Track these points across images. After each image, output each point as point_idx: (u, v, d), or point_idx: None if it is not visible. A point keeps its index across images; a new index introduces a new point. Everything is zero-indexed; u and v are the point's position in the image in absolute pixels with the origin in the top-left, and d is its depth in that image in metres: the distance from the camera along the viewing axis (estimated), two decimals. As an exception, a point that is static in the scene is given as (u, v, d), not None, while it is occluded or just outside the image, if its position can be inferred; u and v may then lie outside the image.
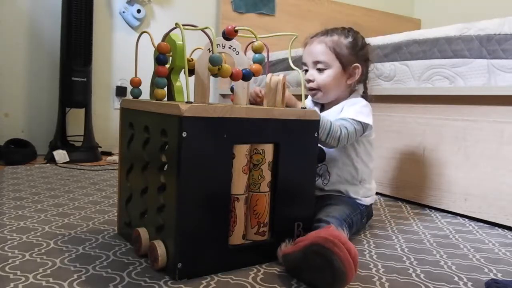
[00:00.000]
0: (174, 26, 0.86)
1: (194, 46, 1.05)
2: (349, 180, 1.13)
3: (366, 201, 1.13)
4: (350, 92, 1.17)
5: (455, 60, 1.35)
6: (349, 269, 0.71)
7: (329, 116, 1.08)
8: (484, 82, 1.28)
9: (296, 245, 0.80)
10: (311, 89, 1.15)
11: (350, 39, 1.13)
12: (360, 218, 1.09)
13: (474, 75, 1.30)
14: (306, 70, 1.16)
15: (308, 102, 1.23)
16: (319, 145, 1.05)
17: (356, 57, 1.13)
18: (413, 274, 0.86)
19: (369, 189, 1.15)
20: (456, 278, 0.85)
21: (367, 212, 1.14)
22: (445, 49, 1.38)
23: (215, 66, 0.81)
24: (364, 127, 1.09)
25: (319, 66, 1.12)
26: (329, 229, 0.77)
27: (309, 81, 1.13)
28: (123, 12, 2.41)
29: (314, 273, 0.75)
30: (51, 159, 2.00)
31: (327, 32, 1.14)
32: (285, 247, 0.84)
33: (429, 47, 1.43)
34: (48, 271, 0.77)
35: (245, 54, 0.97)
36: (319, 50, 1.12)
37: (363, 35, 1.18)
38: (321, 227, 0.93)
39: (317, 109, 1.17)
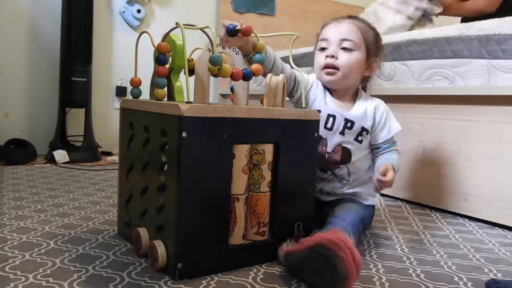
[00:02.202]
0: (174, 26, 0.86)
1: (194, 46, 1.05)
2: (366, 181, 1.13)
3: (375, 201, 1.14)
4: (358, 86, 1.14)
5: (455, 60, 1.35)
6: (351, 274, 0.70)
7: (361, 121, 1.07)
8: (484, 82, 1.28)
9: (300, 244, 0.80)
10: (329, 67, 1.05)
11: (374, 31, 1.10)
12: (370, 221, 1.11)
13: (473, 75, 1.30)
14: (323, 49, 1.07)
15: (329, 100, 1.09)
16: (345, 145, 1.08)
17: (377, 50, 1.10)
18: (413, 274, 0.86)
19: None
20: (456, 278, 0.85)
21: (373, 213, 1.15)
22: (445, 49, 1.38)
23: (215, 66, 0.81)
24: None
25: (346, 44, 1.04)
26: (336, 232, 0.77)
27: (331, 56, 1.04)
28: (123, 12, 2.41)
29: (315, 274, 0.75)
30: (51, 159, 2.00)
31: (353, 17, 1.09)
32: (287, 246, 0.84)
33: (429, 47, 1.43)
34: (48, 271, 0.77)
35: (245, 54, 0.97)
36: (350, 29, 1.06)
37: None
38: (335, 223, 0.93)
39: (328, 96, 1.09)
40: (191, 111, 0.74)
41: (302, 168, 0.91)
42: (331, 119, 1.07)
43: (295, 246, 0.82)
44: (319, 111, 1.04)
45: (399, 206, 1.45)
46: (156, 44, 0.91)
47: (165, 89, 0.93)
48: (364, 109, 1.09)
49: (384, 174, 0.98)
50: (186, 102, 0.78)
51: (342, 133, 1.07)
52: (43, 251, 0.87)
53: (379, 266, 0.89)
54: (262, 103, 0.96)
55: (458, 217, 1.33)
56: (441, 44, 1.39)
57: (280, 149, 0.87)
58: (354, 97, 1.12)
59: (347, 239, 0.74)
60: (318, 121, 0.92)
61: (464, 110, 1.35)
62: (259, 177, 0.86)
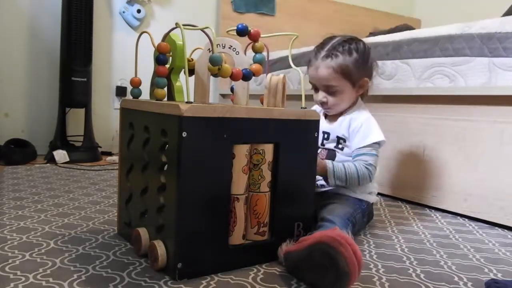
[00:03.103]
0: (174, 26, 0.86)
1: (194, 46, 1.05)
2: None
3: (369, 198, 1.14)
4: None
5: (456, 59, 1.35)
6: (353, 271, 0.70)
7: (336, 131, 1.15)
8: (485, 80, 1.28)
9: (300, 243, 0.80)
10: (325, 108, 1.17)
11: (355, 55, 1.11)
12: (361, 217, 1.09)
13: (475, 73, 1.30)
14: (316, 89, 1.17)
15: (322, 122, 1.20)
16: (327, 148, 1.16)
17: (363, 71, 1.13)
18: (413, 274, 0.86)
19: (372, 187, 1.16)
20: (456, 278, 0.85)
21: (368, 211, 1.14)
22: (446, 47, 1.38)
23: (215, 66, 0.81)
24: (381, 143, 1.12)
25: (330, 89, 1.13)
26: (335, 230, 0.77)
27: (322, 102, 1.15)
28: (123, 12, 2.41)
29: (317, 272, 0.75)
30: (51, 159, 2.00)
31: (330, 54, 1.11)
32: (287, 246, 0.84)
33: (430, 45, 1.43)
34: (48, 271, 0.77)
35: (245, 54, 0.97)
36: (328, 75, 1.11)
37: (360, 38, 1.18)
38: (325, 226, 0.93)
39: (322, 117, 1.18)
40: (191, 111, 0.74)
41: (302, 168, 0.91)
42: (325, 135, 1.19)
43: (295, 246, 0.82)
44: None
45: (399, 206, 1.45)
46: (156, 44, 0.91)
47: (165, 89, 0.93)
48: (341, 121, 1.15)
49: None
50: (186, 102, 0.78)
51: (322, 144, 1.18)
52: (43, 251, 0.87)
53: (379, 266, 0.89)
54: (262, 103, 0.96)
55: (458, 217, 1.33)
56: (443, 42, 1.39)
57: (280, 149, 0.87)
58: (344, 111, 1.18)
59: (347, 236, 0.74)
60: (318, 121, 0.92)
61: (464, 110, 1.34)
62: (259, 177, 0.86)
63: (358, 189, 1.12)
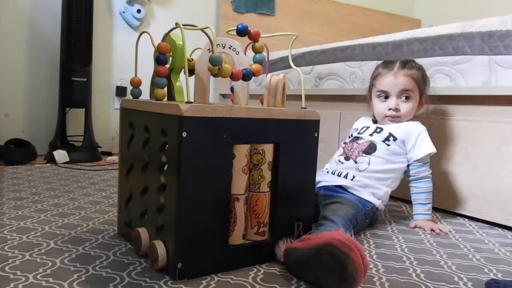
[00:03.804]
0: (174, 26, 0.86)
1: (194, 46, 1.05)
2: (379, 180, 1.18)
3: (377, 203, 1.14)
4: None
5: (456, 57, 1.35)
6: (359, 276, 0.71)
7: (390, 129, 1.24)
8: (485, 78, 1.28)
9: (305, 242, 0.80)
10: (394, 117, 1.25)
11: (421, 71, 1.27)
12: (364, 219, 1.10)
13: (475, 71, 1.30)
14: (384, 97, 1.26)
15: (363, 119, 1.37)
16: (371, 140, 1.24)
17: (425, 88, 1.28)
18: (413, 274, 0.86)
19: (385, 194, 1.18)
20: (456, 278, 0.85)
21: (372, 214, 1.14)
22: (447, 46, 1.38)
23: (215, 66, 0.81)
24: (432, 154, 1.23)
25: (406, 94, 1.24)
26: (341, 232, 0.77)
27: (395, 109, 1.24)
28: (123, 12, 2.41)
29: (321, 273, 0.75)
30: (51, 159, 2.00)
31: (406, 65, 1.25)
32: (288, 243, 0.84)
33: (430, 45, 1.43)
34: (48, 271, 0.77)
35: (245, 54, 0.97)
36: (408, 81, 1.23)
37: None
38: (326, 225, 0.93)
39: (370, 122, 1.33)
40: (191, 111, 0.74)
41: (302, 168, 0.91)
42: (364, 128, 1.29)
43: (298, 244, 0.81)
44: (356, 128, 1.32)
45: (399, 206, 1.45)
46: (156, 44, 0.91)
47: (165, 89, 0.93)
48: (401, 126, 1.25)
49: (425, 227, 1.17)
50: (186, 102, 0.78)
51: (371, 134, 1.26)
52: (43, 251, 0.87)
53: (379, 266, 0.89)
54: (262, 103, 0.96)
55: (458, 217, 1.33)
56: (443, 41, 1.39)
57: (280, 149, 0.87)
58: None
59: (356, 242, 0.74)
60: (318, 121, 0.92)
61: (464, 110, 1.34)
62: (259, 177, 0.86)
63: (366, 190, 1.14)
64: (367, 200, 1.12)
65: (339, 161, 1.23)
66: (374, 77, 1.30)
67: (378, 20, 3.35)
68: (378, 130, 1.25)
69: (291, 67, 1.03)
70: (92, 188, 1.50)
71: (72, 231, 1.01)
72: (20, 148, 2.02)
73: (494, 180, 1.25)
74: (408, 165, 1.23)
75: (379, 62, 1.53)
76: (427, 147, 1.21)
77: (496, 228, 1.23)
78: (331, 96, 1.85)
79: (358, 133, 1.29)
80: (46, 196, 1.34)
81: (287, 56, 2.11)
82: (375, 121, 1.32)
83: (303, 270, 0.79)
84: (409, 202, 1.49)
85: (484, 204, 1.27)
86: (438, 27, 1.46)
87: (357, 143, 1.25)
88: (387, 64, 1.28)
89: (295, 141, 0.89)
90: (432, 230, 1.15)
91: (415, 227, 1.18)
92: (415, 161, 1.21)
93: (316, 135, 0.92)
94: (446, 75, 1.39)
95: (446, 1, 3.41)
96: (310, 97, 1.93)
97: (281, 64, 2.21)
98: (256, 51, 0.95)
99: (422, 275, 0.85)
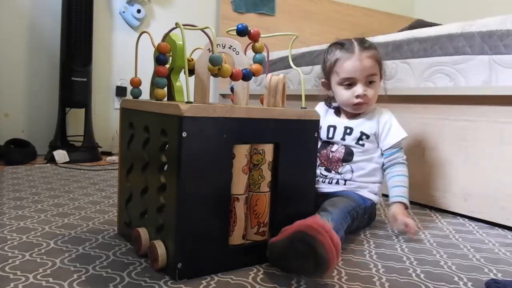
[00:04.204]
0: (174, 26, 0.86)
1: (194, 46, 1.05)
2: (369, 181, 1.18)
3: (374, 198, 1.16)
4: None
5: (456, 57, 1.35)
6: (331, 256, 0.72)
7: (360, 126, 1.18)
8: (485, 78, 1.28)
9: (282, 233, 0.81)
10: (360, 104, 1.16)
11: (377, 50, 1.18)
12: (363, 213, 1.10)
13: (475, 71, 1.30)
14: (348, 85, 1.15)
15: (319, 108, 1.27)
16: (344, 144, 1.19)
17: (382, 67, 1.19)
18: (413, 274, 0.86)
19: (378, 187, 1.19)
20: (456, 278, 0.85)
21: (371, 210, 1.16)
22: (447, 46, 1.38)
23: (215, 66, 0.81)
24: (404, 139, 1.20)
25: (372, 79, 1.15)
26: (315, 218, 0.79)
27: (363, 96, 1.14)
28: (123, 12, 2.41)
29: (298, 261, 0.77)
30: (51, 159, 2.00)
31: (366, 47, 1.15)
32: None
33: (430, 44, 1.43)
34: (48, 271, 0.77)
35: (245, 54, 0.97)
36: (372, 64, 1.14)
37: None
38: (322, 216, 0.93)
39: (333, 114, 1.25)
40: (191, 111, 0.74)
41: (302, 168, 0.91)
42: (331, 129, 1.21)
43: (277, 237, 0.83)
44: (320, 127, 1.12)
45: (399, 206, 1.44)
46: (156, 44, 0.91)
47: (165, 89, 0.93)
48: (369, 117, 1.19)
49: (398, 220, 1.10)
50: (186, 102, 0.78)
51: (343, 138, 1.19)
52: (43, 251, 0.87)
53: (379, 266, 0.89)
54: (262, 103, 0.96)
55: (458, 217, 1.33)
56: (443, 41, 1.39)
57: (280, 149, 0.87)
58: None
59: (324, 223, 0.76)
60: (318, 121, 0.92)
61: (464, 110, 1.34)
62: (259, 177, 0.86)
63: (366, 188, 1.16)
64: (366, 197, 1.14)
65: (321, 174, 1.19)
66: (333, 63, 1.17)
67: (378, 20, 3.35)
68: (348, 131, 1.19)
69: (291, 67, 1.03)
70: (92, 188, 1.50)
71: (72, 231, 1.01)
72: (20, 148, 2.02)
73: (494, 180, 1.25)
74: (381, 154, 1.20)
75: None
76: (397, 134, 1.18)
77: (496, 228, 1.23)
78: (331, 96, 1.85)
79: (328, 137, 1.21)
80: (46, 196, 1.34)
81: (287, 56, 2.11)
82: (332, 107, 1.25)
83: (285, 262, 0.81)
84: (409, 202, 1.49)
85: (484, 204, 1.27)
86: (439, 27, 1.46)
87: (331, 151, 1.19)
88: (344, 46, 1.16)
89: (295, 141, 0.89)
90: (405, 226, 1.07)
91: (394, 217, 1.10)
92: (387, 149, 1.18)
93: (316, 135, 0.92)
94: (446, 75, 1.39)
95: (446, 1, 3.41)
96: (310, 97, 1.92)
97: (281, 64, 2.21)
98: (256, 51, 0.95)
99: (422, 275, 0.85)
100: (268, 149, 0.86)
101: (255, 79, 2.36)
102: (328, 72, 1.20)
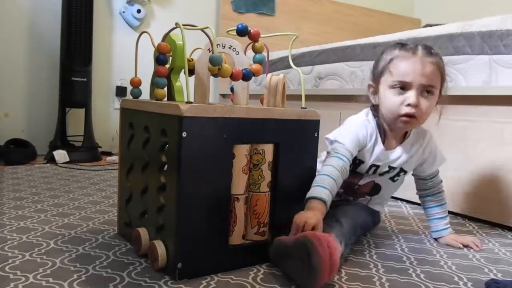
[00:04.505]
0: (174, 26, 0.86)
1: (194, 46, 1.05)
2: (385, 201, 1.17)
3: (381, 210, 1.16)
4: None
5: (456, 57, 1.35)
6: (323, 269, 0.71)
7: (401, 161, 1.02)
8: (485, 78, 1.28)
9: (293, 236, 0.81)
10: (409, 116, 0.95)
11: (443, 62, 0.99)
12: (371, 225, 1.12)
13: (475, 71, 1.30)
14: (400, 88, 0.95)
15: (378, 149, 1.01)
16: (378, 182, 1.06)
17: (444, 81, 1.00)
18: (413, 274, 0.86)
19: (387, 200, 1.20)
20: (456, 278, 0.85)
21: (378, 220, 1.17)
22: (447, 46, 1.38)
23: (215, 66, 0.81)
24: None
25: (429, 89, 0.95)
26: (327, 235, 0.77)
27: (414, 106, 0.94)
28: (123, 12, 2.41)
29: (294, 265, 0.77)
30: (51, 159, 2.00)
31: (431, 52, 0.96)
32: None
33: (431, 45, 1.43)
34: (48, 271, 0.77)
35: (245, 54, 0.97)
36: (435, 73, 0.95)
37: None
38: (332, 227, 0.91)
39: (380, 143, 1.01)
40: (191, 111, 0.74)
41: (302, 168, 0.91)
42: (373, 168, 1.03)
43: (288, 237, 0.83)
44: (362, 161, 1.02)
45: (399, 206, 1.45)
46: (156, 44, 0.91)
47: (165, 89, 0.93)
48: (410, 150, 1.03)
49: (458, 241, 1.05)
50: (186, 102, 0.78)
51: (381, 175, 1.06)
52: (43, 251, 0.87)
53: (379, 266, 0.89)
54: (262, 103, 0.96)
55: (459, 217, 1.33)
56: (443, 41, 1.39)
57: (280, 149, 0.87)
58: (405, 134, 1.05)
59: (332, 240, 0.75)
60: (318, 121, 0.92)
61: (464, 110, 1.34)
62: (259, 177, 0.86)
63: (378, 205, 1.14)
64: (376, 210, 1.14)
65: (338, 192, 1.00)
66: (389, 61, 0.97)
67: (378, 20, 3.35)
68: (391, 170, 1.04)
69: (291, 67, 1.03)
70: (92, 188, 1.50)
71: (72, 231, 1.01)
72: (20, 148, 2.02)
73: (494, 180, 1.25)
74: (419, 179, 1.11)
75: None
76: (440, 160, 1.08)
77: (496, 228, 1.23)
78: (331, 96, 1.85)
79: (367, 173, 1.04)
80: (46, 196, 1.34)
81: (287, 56, 2.11)
82: (378, 125, 1.02)
83: (282, 261, 0.82)
84: (409, 202, 1.49)
85: (484, 204, 1.27)
86: (439, 27, 1.46)
87: (359, 184, 1.06)
88: (406, 47, 0.97)
89: (295, 141, 0.89)
90: (465, 245, 1.03)
91: (455, 244, 1.04)
92: (426, 176, 1.09)
93: (316, 135, 0.92)
94: (446, 75, 1.38)
95: (446, 1, 3.41)
96: (310, 97, 1.93)
97: (281, 64, 2.21)
98: (256, 51, 0.95)
99: (422, 275, 0.85)
100: (268, 149, 0.86)
101: (255, 79, 2.36)
102: (379, 72, 1.00)
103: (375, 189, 1.07)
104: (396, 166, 1.04)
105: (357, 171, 1.03)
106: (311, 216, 0.81)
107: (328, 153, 0.99)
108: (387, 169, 1.04)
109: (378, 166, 1.03)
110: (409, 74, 0.94)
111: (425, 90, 0.95)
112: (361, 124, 1.02)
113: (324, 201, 0.85)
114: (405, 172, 1.06)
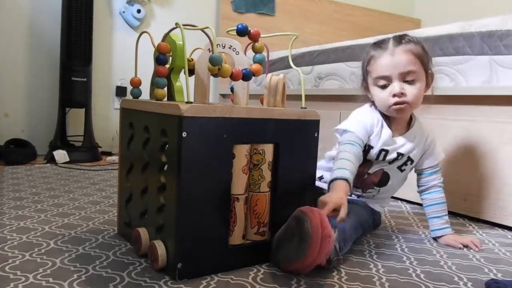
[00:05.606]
0: (174, 26, 0.86)
1: (194, 46, 1.05)
2: (389, 197, 1.17)
3: (381, 210, 1.16)
4: None
5: (457, 57, 1.35)
6: (315, 234, 0.73)
7: (408, 149, 1.06)
8: (486, 78, 1.28)
9: None
10: (398, 104, 1.01)
11: (420, 45, 1.02)
12: (372, 225, 1.12)
13: (475, 71, 1.30)
14: (384, 85, 1.02)
15: (385, 134, 1.05)
16: (386, 171, 1.08)
17: (428, 63, 1.04)
18: (413, 274, 0.86)
19: (388, 201, 1.20)
20: (456, 278, 0.85)
21: (379, 221, 1.17)
22: (447, 46, 1.38)
23: (215, 66, 0.81)
24: None
25: (409, 77, 0.99)
26: (321, 211, 0.79)
27: (400, 95, 0.99)
28: (123, 12, 2.41)
29: (288, 239, 0.78)
30: (51, 159, 2.00)
31: (401, 41, 1.01)
32: None
33: (431, 45, 1.43)
34: (48, 271, 0.77)
35: (245, 54, 0.97)
36: (407, 58, 0.99)
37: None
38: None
39: (387, 128, 1.05)
40: (191, 111, 0.74)
41: (302, 168, 0.91)
42: (383, 153, 1.05)
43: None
44: (372, 147, 1.05)
45: (399, 206, 1.45)
46: (156, 44, 0.91)
47: (165, 89, 0.93)
48: (414, 139, 1.08)
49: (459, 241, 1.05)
50: (186, 102, 0.78)
51: (391, 163, 1.07)
52: (43, 251, 0.87)
53: (379, 266, 0.89)
54: (262, 103, 0.96)
55: (458, 217, 1.33)
56: (443, 41, 1.39)
57: (280, 149, 0.87)
58: (409, 121, 1.10)
59: (324, 214, 0.77)
60: (318, 121, 0.92)
61: (464, 110, 1.34)
62: (259, 177, 0.86)
63: (376, 202, 1.14)
64: (376, 210, 1.13)
65: None
66: (367, 62, 1.05)
67: (378, 20, 3.35)
68: (400, 157, 1.06)
69: (291, 67, 1.02)
70: (92, 188, 1.50)
71: (72, 231, 1.01)
72: (20, 148, 2.03)
73: (494, 180, 1.25)
74: (419, 174, 1.13)
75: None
76: (437, 155, 1.11)
77: (496, 228, 1.23)
78: (331, 96, 1.85)
79: (377, 159, 1.06)
80: (46, 196, 1.34)
81: (287, 56, 2.11)
82: (382, 114, 1.07)
83: (280, 246, 0.82)
84: (409, 202, 1.49)
85: (484, 204, 1.27)
86: (438, 27, 1.46)
87: (368, 173, 1.07)
88: (379, 44, 1.04)
89: (295, 141, 0.89)
90: (465, 245, 1.04)
91: (454, 245, 1.05)
92: (427, 168, 1.11)
93: (316, 135, 0.92)
94: (446, 75, 1.38)
95: (446, 1, 3.41)
96: (310, 97, 1.93)
97: (281, 64, 2.21)
98: (256, 51, 0.95)
99: (422, 275, 0.85)
100: (268, 149, 0.86)
101: (255, 79, 2.36)
102: (364, 73, 1.09)
103: (384, 178, 1.08)
104: (404, 153, 1.06)
105: (367, 158, 1.06)
106: (335, 196, 0.86)
107: (339, 143, 1.04)
108: (395, 155, 1.06)
109: (387, 152, 1.05)
110: (385, 69, 1.01)
111: (406, 76, 1.00)
112: (367, 113, 1.08)
113: (346, 179, 0.90)
114: (412, 161, 1.09)
